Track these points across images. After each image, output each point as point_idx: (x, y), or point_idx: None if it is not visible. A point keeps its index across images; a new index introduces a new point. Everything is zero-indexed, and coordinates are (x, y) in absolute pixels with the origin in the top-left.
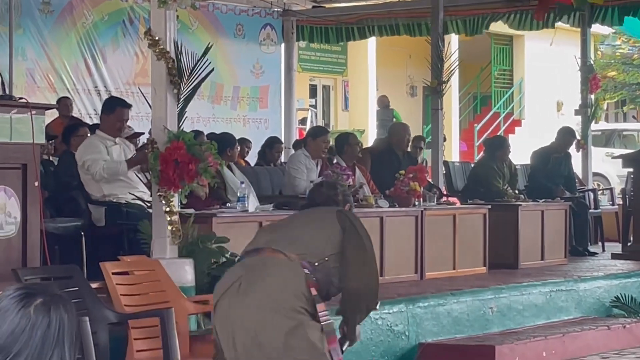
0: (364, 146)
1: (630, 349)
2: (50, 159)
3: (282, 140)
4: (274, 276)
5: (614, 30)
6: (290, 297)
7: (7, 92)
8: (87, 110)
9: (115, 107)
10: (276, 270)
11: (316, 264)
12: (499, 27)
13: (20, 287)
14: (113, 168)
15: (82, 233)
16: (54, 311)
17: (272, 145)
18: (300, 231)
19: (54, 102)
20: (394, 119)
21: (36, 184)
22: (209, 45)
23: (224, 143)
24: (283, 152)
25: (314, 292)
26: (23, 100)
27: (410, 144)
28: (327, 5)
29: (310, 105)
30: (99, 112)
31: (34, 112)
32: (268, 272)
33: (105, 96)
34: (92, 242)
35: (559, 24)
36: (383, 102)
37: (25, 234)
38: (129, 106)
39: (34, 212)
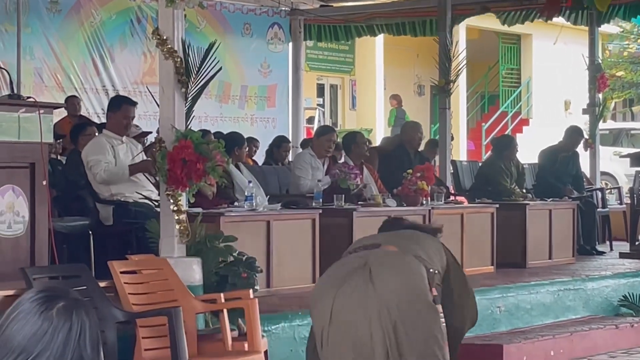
0: (373, 145)
1: (639, 347)
2: (59, 158)
3: (290, 139)
4: (404, 268)
5: (621, 30)
6: (424, 288)
7: (15, 91)
8: (94, 109)
9: (120, 105)
10: (405, 264)
11: (430, 270)
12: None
13: (41, 290)
14: (114, 172)
15: (90, 232)
16: (75, 315)
17: (280, 144)
18: (412, 241)
19: (62, 101)
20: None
21: (44, 183)
22: (213, 42)
23: (232, 142)
24: (291, 151)
25: (434, 292)
26: (31, 100)
27: (421, 142)
28: (334, 4)
29: (318, 105)
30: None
31: (41, 111)
32: (397, 263)
33: (113, 95)
34: (100, 241)
35: (567, 23)
36: (399, 101)
37: (34, 233)
38: (135, 103)
39: (42, 211)
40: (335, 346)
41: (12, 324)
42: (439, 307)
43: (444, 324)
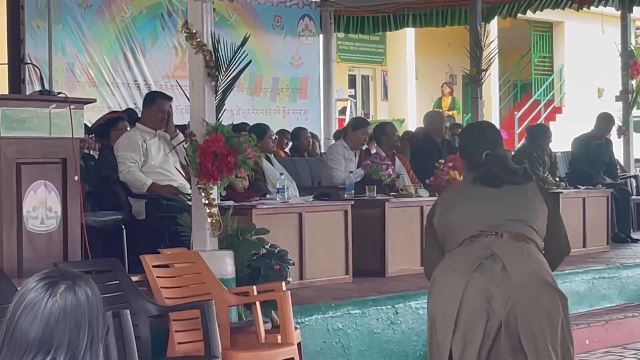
0: (406, 134)
1: None
2: (91, 153)
3: (322, 130)
4: (531, 259)
5: None
6: (551, 277)
7: (47, 87)
8: (127, 104)
9: (155, 99)
10: (531, 255)
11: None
12: (538, 13)
13: (40, 277)
14: (136, 179)
15: (123, 226)
16: (78, 290)
17: (297, 135)
18: (512, 206)
19: (94, 97)
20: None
21: (76, 178)
22: (247, 36)
23: (255, 134)
24: (323, 142)
25: None
26: (62, 95)
27: (447, 131)
28: None
29: (350, 96)
30: (139, 106)
31: (72, 106)
32: (524, 253)
33: (145, 90)
34: (132, 235)
35: (600, 9)
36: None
37: (66, 228)
38: (170, 98)
39: (75, 206)
40: (464, 333)
41: (22, 320)
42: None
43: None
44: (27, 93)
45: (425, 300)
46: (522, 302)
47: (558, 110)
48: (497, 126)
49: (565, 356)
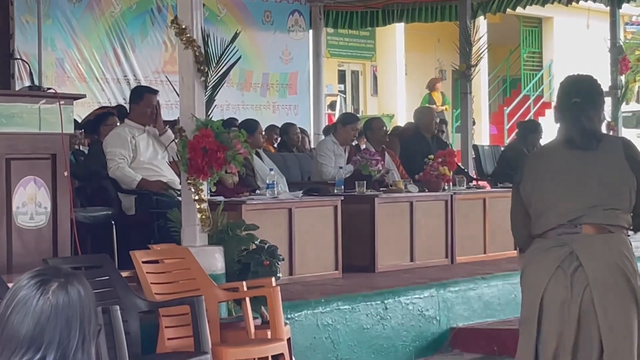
0: (395, 129)
1: None
2: (81, 148)
3: (312, 126)
4: (616, 251)
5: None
6: (631, 272)
7: (37, 82)
8: (116, 99)
9: (143, 94)
10: (614, 247)
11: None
12: (527, 8)
13: (32, 275)
14: (125, 175)
15: (113, 222)
16: (70, 289)
17: (287, 131)
18: (594, 189)
19: (84, 92)
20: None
21: (65, 173)
22: (237, 32)
23: (245, 129)
24: (312, 138)
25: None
26: (51, 91)
27: (437, 126)
28: None
29: (339, 91)
30: (129, 101)
31: (62, 102)
32: (606, 250)
33: (135, 85)
34: (122, 231)
35: (588, 4)
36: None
37: (56, 223)
38: (156, 92)
39: (64, 201)
40: (548, 330)
41: (13, 316)
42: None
43: None
44: (17, 88)
45: (415, 296)
46: (599, 295)
47: (547, 105)
48: (487, 121)
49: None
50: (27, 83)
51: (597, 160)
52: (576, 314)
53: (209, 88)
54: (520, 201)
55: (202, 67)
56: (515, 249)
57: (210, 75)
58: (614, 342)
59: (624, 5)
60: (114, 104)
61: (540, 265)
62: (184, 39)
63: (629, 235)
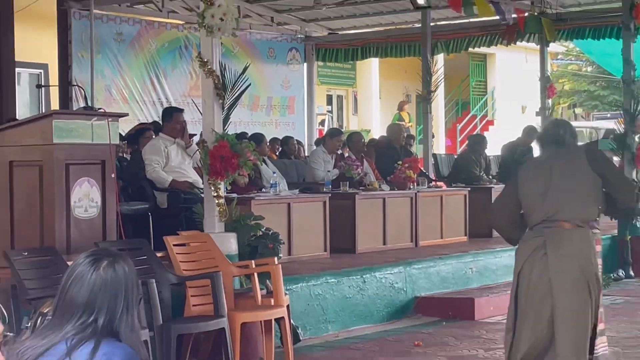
0: (371, 141)
1: None
2: (124, 156)
3: (306, 138)
4: (578, 243)
5: (566, 49)
6: (592, 263)
7: (89, 104)
8: (152, 117)
9: (172, 114)
10: (576, 239)
11: (594, 231)
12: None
13: (87, 255)
14: (160, 177)
15: (149, 214)
16: (118, 267)
17: (286, 142)
18: (564, 192)
19: (127, 112)
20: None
21: (112, 175)
22: (247, 65)
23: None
24: (306, 148)
25: (598, 248)
26: (101, 110)
27: (404, 139)
28: (339, 32)
29: (327, 111)
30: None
31: (110, 119)
32: (572, 240)
33: (166, 106)
34: (157, 221)
35: (523, 43)
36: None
37: (105, 215)
38: (182, 110)
39: (111, 197)
40: (528, 300)
41: (72, 288)
42: (600, 277)
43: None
44: (74, 109)
45: (387, 272)
46: (555, 279)
47: (490, 123)
48: (443, 135)
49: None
50: (82, 104)
51: (568, 168)
52: (540, 292)
53: (225, 108)
54: (511, 199)
55: (220, 92)
56: (465, 235)
57: (226, 99)
58: (565, 320)
59: (551, 44)
60: (150, 120)
61: (521, 252)
62: (206, 70)
63: (596, 229)
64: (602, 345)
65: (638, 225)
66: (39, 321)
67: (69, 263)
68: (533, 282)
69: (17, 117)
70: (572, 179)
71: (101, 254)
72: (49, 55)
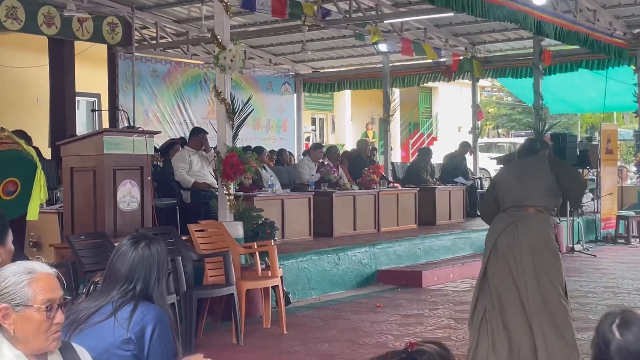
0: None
1: None
2: (158, 163)
3: (295, 150)
4: (540, 223)
5: (491, 83)
6: (551, 239)
7: (131, 124)
8: (179, 134)
9: (198, 133)
10: (539, 220)
11: (552, 212)
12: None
13: (129, 238)
14: (184, 179)
15: (177, 207)
16: (153, 247)
17: (281, 153)
18: (529, 184)
19: (160, 130)
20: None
21: (149, 178)
22: (251, 96)
23: (255, 152)
24: (296, 157)
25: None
26: (140, 129)
27: (370, 151)
28: (320, 71)
29: (312, 130)
30: (186, 136)
31: (147, 135)
32: (536, 221)
33: (190, 126)
34: (182, 212)
35: (459, 80)
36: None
37: (143, 208)
38: (206, 132)
39: (148, 195)
40: (497, 267)
41: (117, 261)
42: (557, 248)
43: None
44: (120, 128)
45: (356, 251)
46: (526, 250)
47: (435, 139)
48: (399, 148)
49: (555, 276)
50: (126, 124)
51: (532, 168)
52: (512, 260)
53: (234, 128)
54: (493, 192)
55: (230, 115)
56: (415, 224)
57: (235, 120)
58: (534, 291)
59: (480, 80)
60: (177, 137)
61: (495, 227)
62: (220, 98)
63: (555, 214)
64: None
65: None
66: (91, 288)
67: (116, 244)
68: (504, 248)
69: (77, 134)
70: (536, 177)
71: (140, 237)
72: (101, 87)
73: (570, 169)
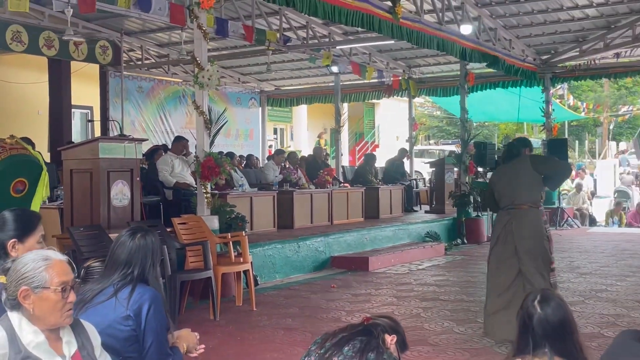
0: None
1: (433, 257)
2: (144, 166)
3: (260, 155)
4: (532, 218)
5: (424, 100)
6: (541, 228)
7: (122, 132)
8: (161, 141)
9: (179, 140)
10: (531, 216)
11: (540, 204)
12: (367, 99)
13: (128, 229)
14: (167, 179)
15: (161, 204)
16: (148, 237)
17: (249, 158)
18: (518, 187)
19: (146, 138)
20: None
21: (137, 179)
22: (225, 109)
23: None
24: (261, 161)
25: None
26: (130, 136)
27: (324, 156)
28: (282, 88)
29: (274, 138)
30: (168, 142)
31: (136, 142)
32: (528, 217)
33: (171, 135)
34: (165, 208)
35: (397, 96)
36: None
37: (133, 204)
38: (186, 140)
39: (137, 193)
40: (501, 249)
41: (117, 249)
42: (549, 239)
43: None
44: (111, 136)
45: (313, 240)
46: (522, 241)
47: (377, 146)
48: (347, 154)
49: (545, 262)
50: (116, 133)
51: (516, 171)
52: (511, 250)
53: (211, 136)
54: (490, 193)
55: (207, 126)
56: (362, 217)
57: (211, 130)
58: (529, 267)
59: (415, 97)
60: (160, 143)
61: (499, 223)
62: (199, 111)
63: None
64: (552, 275)
65: (469, 211)
66: (82, 272)
67: (110, 235)
68: (506, 238)
69: (72, 141)
70: (523, 177)
71: (137, 229)
72: (94, 100)
73: (549, 161)
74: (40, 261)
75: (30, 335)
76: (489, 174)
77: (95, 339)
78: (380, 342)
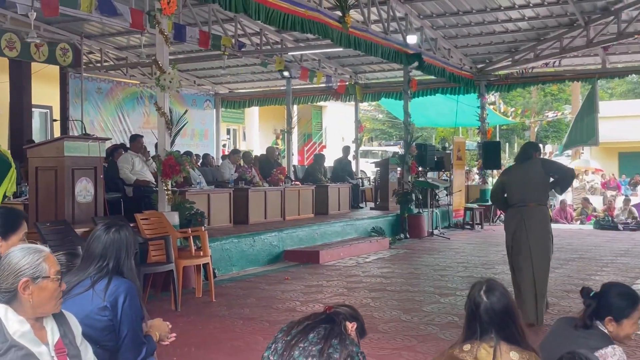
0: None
1: (379, 251)
2: (104, 164)
3: (215, 154)
4: (540, 215)
5: (369, 104)
6: (548, 224)
7: (84, 132)
8: (120, 140)
9: (136, 138)
10: (539, 213)
11: (546, 203)
12: (315, 101)
13: (103, 224)
14: (128, 177)
15: (121, 200)
16: (122, 231)
17: (205, 157)
18: (529, 186)
19: (109, 137)
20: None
21: (101, 176)
22: (186, 111)
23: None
24: (216, 160)
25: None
26: (93, 136)
27: (277, 156)
28: (235, 91)
29: (227, 138)
30: (126, 142)
31: (100, 141)
32: (536, 214)
33: (128, 134)
34: (126, 204)
35: (346, 102)
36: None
37: (96, 200)
38: (142, 136)
39: (100, 189)
40: (517, 244)
41: (92, 243)
42: (550, 231)
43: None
44: (72, 135)
45: (267, 235)
46: (532, 235)
47: (324, 147)
48: (297, 154)
49: (546, 256)
50: (76, 133)
51: (529, 170)
52: (525, 244)
53: (172, 136)
54: (499, 190)
55: (169, 126)
56: (313, 213)
57: (172, 130)
58: (537, 257)
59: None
60: (119, 142)
61: (510, 221)
62: (160, 112)
63: (550, 206)
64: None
65: (411, 207)
66: None
67: (75, 230)
68: (519, 233)
69: (32, 139)
70: (532, 178)
71: (111, 224)
72: (53, 100)
73: (558, 165)
74: (36, 253)
75: (16, 324)
76: (429, 174)
77: (77, 328)
78: (343, 329)
